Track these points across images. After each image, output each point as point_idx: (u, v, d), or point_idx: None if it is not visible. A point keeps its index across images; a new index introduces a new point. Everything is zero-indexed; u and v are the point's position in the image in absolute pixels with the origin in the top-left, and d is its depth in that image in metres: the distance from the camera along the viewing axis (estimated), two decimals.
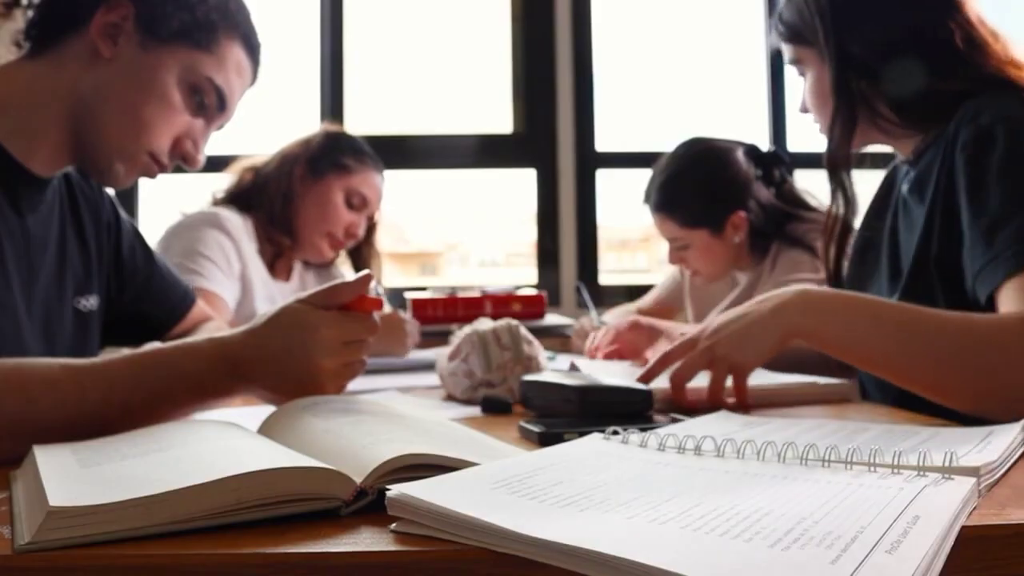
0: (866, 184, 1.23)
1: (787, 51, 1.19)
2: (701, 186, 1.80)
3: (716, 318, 0.95)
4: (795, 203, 1.83)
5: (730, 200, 1.79)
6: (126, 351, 0.81)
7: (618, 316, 2.10)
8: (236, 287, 1.72)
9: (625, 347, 1.45)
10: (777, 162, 1.87)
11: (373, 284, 0.84)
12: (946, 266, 0.99)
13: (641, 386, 0.89)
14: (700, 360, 0.92)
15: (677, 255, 1.87)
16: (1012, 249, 0.88)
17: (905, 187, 1.12)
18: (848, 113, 1.11)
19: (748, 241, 1.82)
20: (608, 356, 1.46)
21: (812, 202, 1.83)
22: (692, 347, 0.94)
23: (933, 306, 0.99)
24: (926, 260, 1.02)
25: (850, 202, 1.17)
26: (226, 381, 0.80)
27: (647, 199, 1.86)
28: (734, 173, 1.80)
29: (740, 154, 1.82)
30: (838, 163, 1.15)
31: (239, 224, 1.77)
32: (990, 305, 0.90)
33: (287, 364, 0.81)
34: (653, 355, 1.01)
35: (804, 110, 1.21)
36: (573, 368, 1.18)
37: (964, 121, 0.99)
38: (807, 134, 1.93)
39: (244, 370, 0.80)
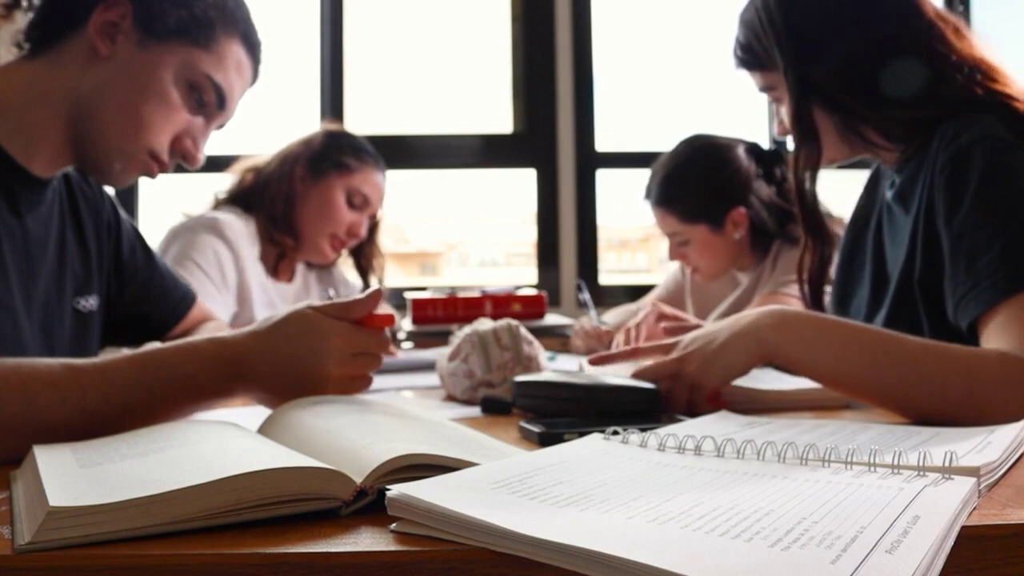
0: (848, 182, 1.21)
1: (754, 79, 1.15)
2: (701, 181, 1.80)
3: (694, 332, 0.95)
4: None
5: (730, 196, 1.79)
6: (126, 351, 0.81)
7: (618, 316, 2.10)
8: (229, 299, 1.70)
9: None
10: (778, 160, 1.87)
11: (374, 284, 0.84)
12: (929, 288, 0.98)
13: (648, 385, 0.89)
14: (666, 369, 0.91)
15: (677, 251, 1.88)
16: (993, 277, 0.87)
17: (889, 193, 1.11)
18: (813, 146, 1.08)
19: (749, 239, 1.82)
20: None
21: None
22: (664, 352, 0.94)
23: (918, 328, 0.99)
24: (910, 281, 1.01)
25: (828, 240, 1.13)
26: (226, 383, 0.80)
27: (648, 195, 1.87)
28: (735, 169, 1.81)
29: (741, 151, 1.83)
30: (808, 201, 1.11)
31: (240, 229, 1.76)
32: (972, 333, 0.89)
33: (295, 368, 0.81)
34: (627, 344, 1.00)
35: (784, 133, 1.15)
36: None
37: (944, 141, 0.97)
38: None
39: (244, 371, 0.80)
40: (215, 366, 0.79)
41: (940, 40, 1.04)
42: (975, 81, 1.01)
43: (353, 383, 0.84)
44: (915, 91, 1.02)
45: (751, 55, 1.13)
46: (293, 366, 0.81)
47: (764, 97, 1.18)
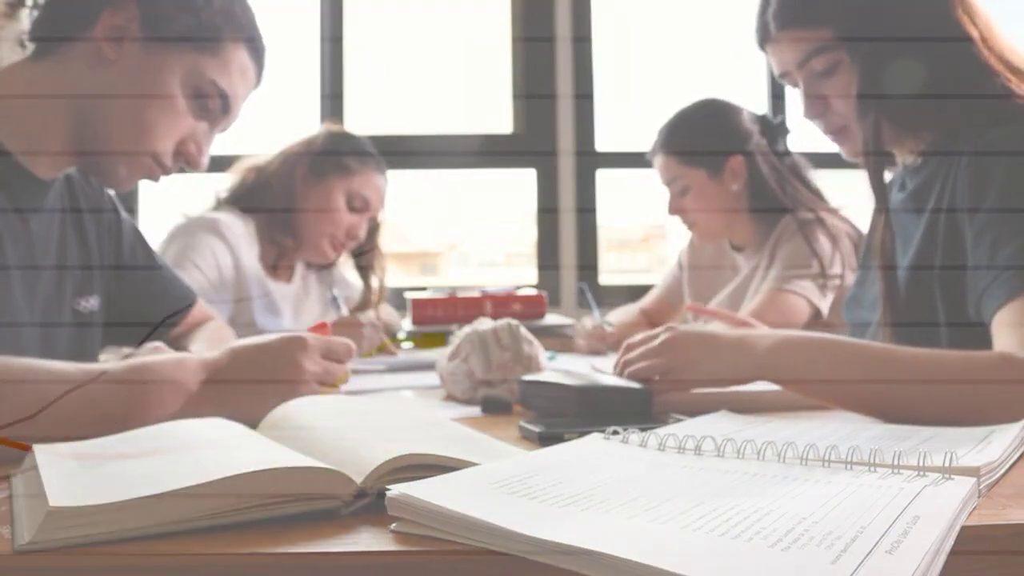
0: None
1: (790, 47, 1.06)
2: (704, 126, 1.86)
3: (689, 331, 0.94)
4: (797, 175, 1.85)
5: (730, 144, 1.83)
6: (126, 351, 0.81)
7: (621, 316, 2.10)
8: (227, 301, 1.70)
9: None
10: (784, 133, 1.89)
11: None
12: (948, 283, 0.97)
13: (639, 385, 0.89)
14: (649, 356, 0.91)
15: (676, 203, 1.89)
16: (1014, 270, 0.86)
17: (899, 196, 1.09)
18: (881, 113, 1.01)
19: (747, 201, 1.83)
20: None
21: (813, 184, 1.86)
22: (651, 341, 0.94)
23: (929, 330, 0.97)
24: (926, 275, 1.00)
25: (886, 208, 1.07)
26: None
27: (652, 151, 1.90)
28: (737, 123, 1.85)
29: (746, 115, 1.87)
30: (876, 170, 1.04)
31: (239, 230, 1.76)
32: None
33: (267, 359, 0.84)
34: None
35: (816, 115, 1.08)
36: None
37: (968, 138, 0.96)
38: (806, 135, 1.93)
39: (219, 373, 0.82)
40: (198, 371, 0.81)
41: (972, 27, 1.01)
42: (1002, 73, 1.00)
43: (328, 374, 0.88)
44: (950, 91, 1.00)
45: (807, 5, 1.04)
46: (263, 360, 0.84)
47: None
